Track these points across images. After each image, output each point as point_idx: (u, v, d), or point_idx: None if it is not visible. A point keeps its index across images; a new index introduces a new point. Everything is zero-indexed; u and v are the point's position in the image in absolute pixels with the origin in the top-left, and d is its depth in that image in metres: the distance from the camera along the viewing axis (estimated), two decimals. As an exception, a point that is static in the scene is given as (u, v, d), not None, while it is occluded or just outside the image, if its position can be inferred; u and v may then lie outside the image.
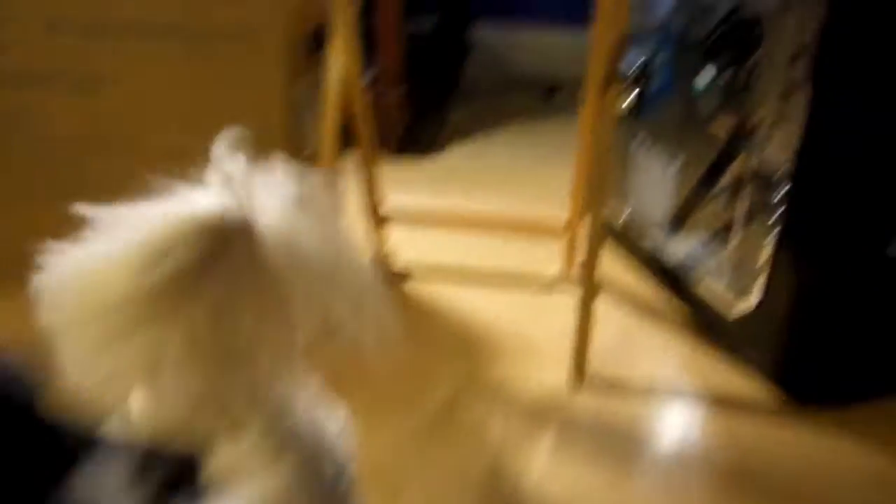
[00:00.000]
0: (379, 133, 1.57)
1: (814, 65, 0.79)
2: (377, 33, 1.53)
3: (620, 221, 1.25)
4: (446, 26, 2.03)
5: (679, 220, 1.15)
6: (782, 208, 0.97)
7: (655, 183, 1.18)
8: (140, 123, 1.00)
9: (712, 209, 1.09)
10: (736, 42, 1.06)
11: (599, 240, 0.99)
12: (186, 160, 0.39)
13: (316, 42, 1.07)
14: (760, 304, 0.94)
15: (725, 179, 1.05)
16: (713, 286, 1.05)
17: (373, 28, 1.52)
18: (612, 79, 0.93)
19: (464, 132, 1.76)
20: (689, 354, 1.08)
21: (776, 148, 0.90)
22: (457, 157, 1.64)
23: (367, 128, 1.13)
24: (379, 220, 1.22)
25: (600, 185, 0.97)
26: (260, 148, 0.40)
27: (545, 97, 2.01)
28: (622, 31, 0.90)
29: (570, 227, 1.16)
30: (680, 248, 1.14)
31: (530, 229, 1.21)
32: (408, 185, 1.49)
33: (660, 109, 1.20)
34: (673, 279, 1.15)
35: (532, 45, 2.10)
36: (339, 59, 1.01)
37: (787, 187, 0.92)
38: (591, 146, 1.02)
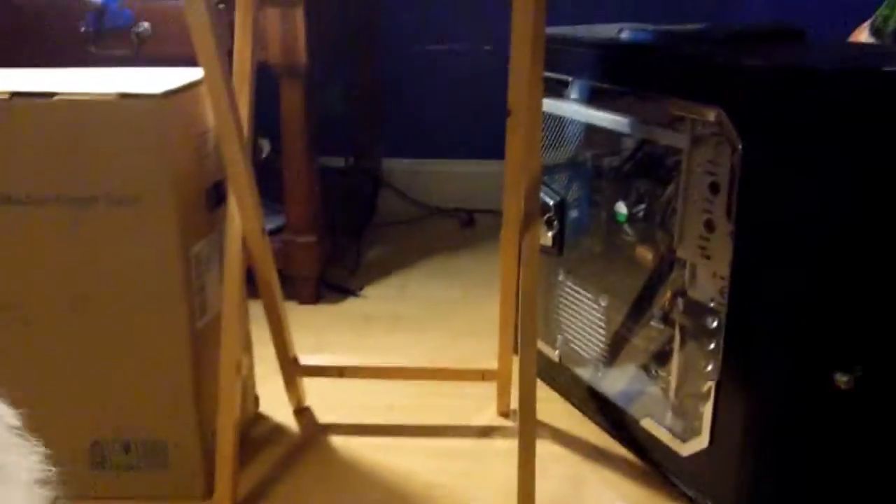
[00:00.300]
0: (292, 282, 1.51)
1: (735, 199, 0.77)
2: (286, 180, 1.48)
3: (554, 358, 1.19)
4: (357, 164, 2.02)
5: (614, 352, 1.09)
6: (720, 337, 0.94)
7: (586, 316, 1.13)
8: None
9: (647, 340, 1.05)
10: (651, 173, 1.05)
11: (533, 381, 0.92)
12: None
13: (217, 196, 1.02)
14: (712, 442, 0.87)
15: (656, 308, 1.01)
16: (659, 423, 0.98)
17: (282, 175, 1.48)
18: (532, 216, 0.89)
19: (383, 269, 1.70)
20: (644, 498, 0.99)
21: (705, 276, 0.87)
22: (377, 298, 1.57)
23: (274, 280, 1.05)
24: (295, 372, 1.13)
25: (529, 325, 0.91)
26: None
27: (464, 225, 1.99)
28: (536, 169, 0.86)
29: (502, 367, 1.09)
30: (618, 383, 1.08)
31: (458, 374, 1.13)
32: (328, 332, 1.41)
33: (582, 241, 1.18)
34: (616, 417, 1.08)
35: (445, 175, 2.10)
36: (240, 214, 0.95)
37: (722, 316, 0.89)
38: (514, 283, 0.97)
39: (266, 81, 1.21)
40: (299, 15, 1.38)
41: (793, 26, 0.88)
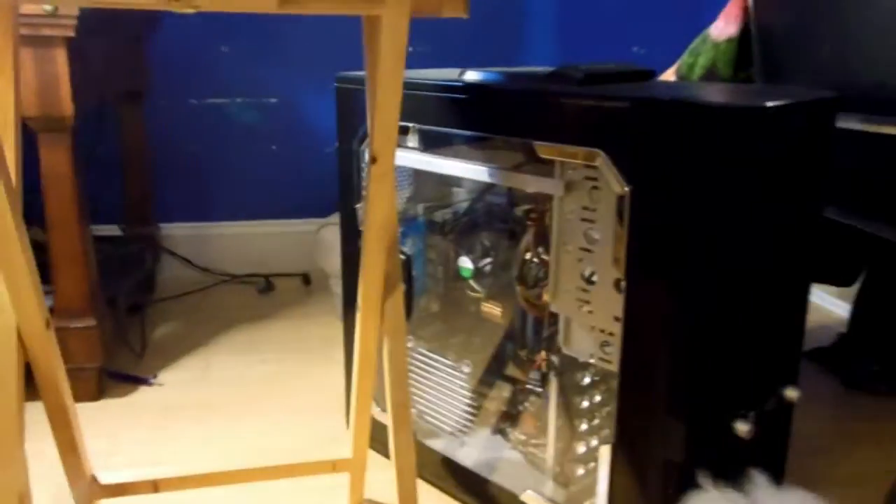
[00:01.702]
0: (67, 376, 1.24)
1: (623, 246, 0.72)
2: (53, 256, 1.22)
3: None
4: (133, 231, 1.76)
5: (475, 420, 1.00)
6: (608, 395, 0.88)
7: (438, 382, 1.03)
8: None
9: (511, 403, 0.97)
10: (498, 224, 0.99)
11: (412, 471, 0.79)
12: None
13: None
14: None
15: (525, 367, 0.94)
16: (541, 495, 0.90)
17: (45, 249, 1.21)
18: (394, 277, 0.77)
19: (177, 349, 1.47)
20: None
21: (583, 331, 0.81)
22: (176, 384, 1.34)
23: (63, 383, 0.83)
24: (94, 496, 0.89)
25: (401, 403, 0.79)
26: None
27: (262, 292, 1.80)
28: (395, 223, 0.75)
29: (357, 455, 0.95)
30: (483, 453, 0.99)
31: (304, 468, 0.97)
32: (120, 432, 1.16)
33: (424, 301, 1.08)
34: (484, 491, 0.98)
35: (234, 238, 1.90)
36: (12, 303, 0.73)
37: (600, 372, 0.84)
38: (373, 356, 0.84)
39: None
40: (61, 57, 1.15)
41: (641, 67, 0.86)
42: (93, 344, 1.25)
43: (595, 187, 0.76)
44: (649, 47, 1.91)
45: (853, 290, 1.37)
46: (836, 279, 1.31)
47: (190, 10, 0.57)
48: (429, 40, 1.81)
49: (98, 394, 1.28)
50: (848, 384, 1.32)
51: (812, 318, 1.64)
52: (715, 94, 0.72)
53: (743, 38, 1.12)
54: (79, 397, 1.26)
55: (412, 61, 2.00)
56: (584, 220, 0.78)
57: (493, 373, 1.03)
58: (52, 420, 0.83)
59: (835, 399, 1.30)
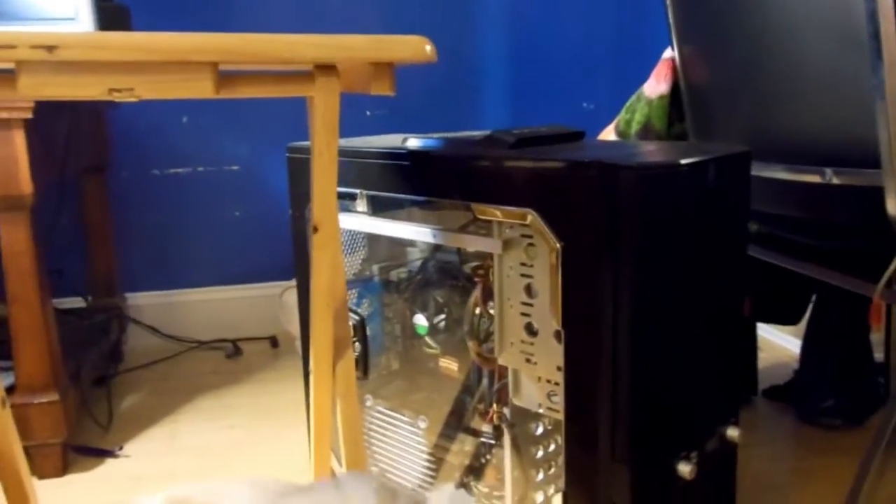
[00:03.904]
0: (29, 453, 1.24)
1: (559, 299, 0.76)
2: (14, 331, 1.23)
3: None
4: (98, 302, 1.77)
5: (437, 474, 1.01)
6: (554, 443, 0.91)
7: (401, 439, 1.05)
8: None
9: (472, 456, 0.99)
10: (449, 281, 1.02)
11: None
12: None
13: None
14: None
15: (480, 421, 0.96)
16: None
17: (5, 325, 1.22)
18: (343, 341, 0.80)
19: (144, 420, 1.47)
20: None
21: (531, 382, 0.84)
22: (142, 454, 1.34)
23: (22, 464, 0.83)
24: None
25: (357, 466, 0.81)
26: None
27: (230, 357, 1.81)
28: (343, 288, 0.78)
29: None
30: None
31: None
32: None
33: (382, 360, 1.11)
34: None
35: (200, 305, 1.92)
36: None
37: (549, 421, 0.87)
38: (328, 419, 0.86)
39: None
40: (19, 138, 1.18)
41: (571, 128, 0.91)
42: (56, 419, 1.25)
43: (531, 244, 0.80)
44: (597, 103, 1.99)
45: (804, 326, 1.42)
46: (783, 318, 1.36)
47: (133, 100, 0.61)
48: (385, 104, 1.87)
49: (63, 469, 1.27)
50: (803, 420, 1.36)
51: (768, 356, 1.69)
52: (635, 153, 0.77)
53: (674, 95, 1.18)
54: (43, 474, 1.26)
55: (369, 124, 2.06)
56: (523, 275, 0.81)
57: (454, 427, 1.05)
58: (9, 499, 0.84)
59: (790, 436, 1.33)
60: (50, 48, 0.54)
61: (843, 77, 0.84)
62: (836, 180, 0.89)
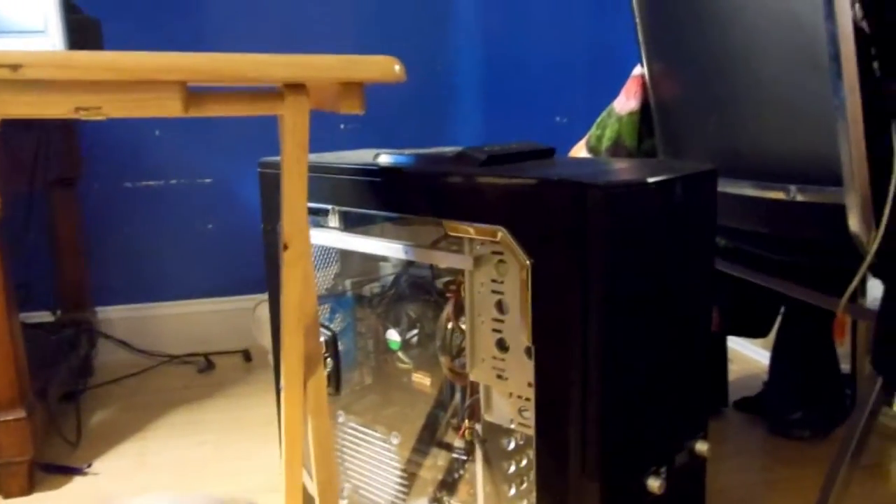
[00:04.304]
0: (0, 469, 1.22)
1: (528, 315, 0.76)
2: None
3: (340, 507, 1.07)
4: (66, 316, 1.75)
5: (410, 491, 1.01)
6: (525, 458, 0.91)
7: (374, 456, 1.04)
8: None
9: (445, 471, 0.99)
10: (420, 297, 1.02)
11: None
12: None
13: None
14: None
15: (452, 437, 0.96)
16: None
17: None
18: (314, 358, 0.80)
19: (113, 436, 1.45)
20: None
21: (502, 397, 0.84)
22: (111, 472, 1.32)
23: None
24: None
25: (328, 485, 0.80)
26: None
27: (202, 371, 1.79)
28: (313, 305, 0.78)
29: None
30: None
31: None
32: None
33: (354, 375, 1.10)
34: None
35: (171, 318, 1.90)
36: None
37: (521, 437, 0.87)
38: (300, 437, 0.86)
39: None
40: (-12, 152, 1.17)
41: (541, 145, 0.92)
42: (22, 436, 1.23)
43: (501, 261, 0.80)
44: (571, 117, 2.01)
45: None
46: (752, 332, 1.38)
47: (100, 118, 0.61)
48: (358, 118, 1.87)
49: (29, 488, 1.25)
50: (772, 431, 1.38)
51: (739, 369, 1.71)
52: (603, 171, 0.78)
53: (644, 111, 1.20)
54: (9, 493, 1.24)
55: (342, 138, 2.06)
56: (494, 291, 0.82)
57: (427, 442, 1.05)
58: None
59: (760, 448, 1.35)
60: (14, 67, 0.53)
61: (805, 96, 0.86)
62: (800, 197, 0.90)
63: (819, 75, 0.82)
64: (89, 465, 1.33)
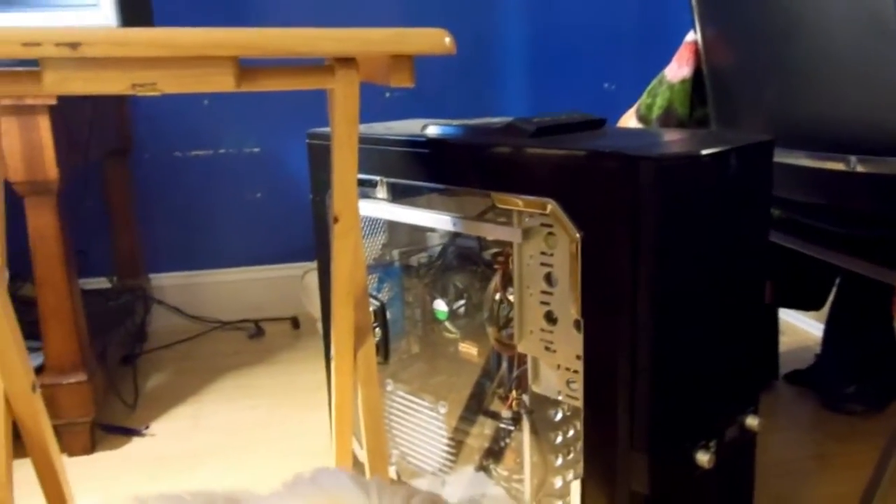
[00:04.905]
0: (59, 431, 1.27)
1: (578, 288, 0.76)
2: (42, 313, 1.25)
3: (391, 475, 1.09)
4: (123, 283, 1.80)
5: (458, 459, 1.03)
6: (572, 430, 0.91)
7: (421, 424, 1.06)
8: None
9: (492, 440, 1.00)
10: (468, 267, 1.02)
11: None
12: None
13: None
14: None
15: (500, 406, 0.97)
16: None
17: (32, 306, 1.25)
18: (364, 329, 0.81)
19: (169, 399, 1.50)
20: None
21: (550, 369, 0.84)
22: (167, 434, 1.36)
23: (52, 446, 0.85)
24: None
25: (378, 452, 0.82)
26: None
27: (252, 337, 1.83)
28: (363, 277, 0.79)
29: None
30: (467, 491, 1.01)
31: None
32: (113, 485, 1.19)
33: (403, 345, 1.11)
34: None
35: (223, 286, 1.94)
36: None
37: (568, 408, 0.87)
38: (350, 405, 0.87)
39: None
40: (44, 124, 1.20)
41: (592, 116, 0.91)
42: (84, 398, 1.28)
43: (551, 233, 0.80)
44: (619, 83, 1.97)
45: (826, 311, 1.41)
46: (805, 304, 1.35)
47: (155, 94, 0.62)
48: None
49: (91, 447, 1.31)
50: (824, 405, 1.35)
51: (791, 341, 1.68)
52: (655, 143, 0.77)
53: (697, 79, 1.17)
54: (72, 451, 1.29)
55: (387, 106, 2.06)
56: (543, 264, 0.82)
57: (474, 411, 1.06)
58: (40, 477, 0.86)
59: (811, 422, 1.33)
60: (74, 45, 0.54)
61: (871, 64, 0.83)
62: (860, 168, 0.88)
63: (886, 42, 0.78)
64: (147, 427, 1.38)
